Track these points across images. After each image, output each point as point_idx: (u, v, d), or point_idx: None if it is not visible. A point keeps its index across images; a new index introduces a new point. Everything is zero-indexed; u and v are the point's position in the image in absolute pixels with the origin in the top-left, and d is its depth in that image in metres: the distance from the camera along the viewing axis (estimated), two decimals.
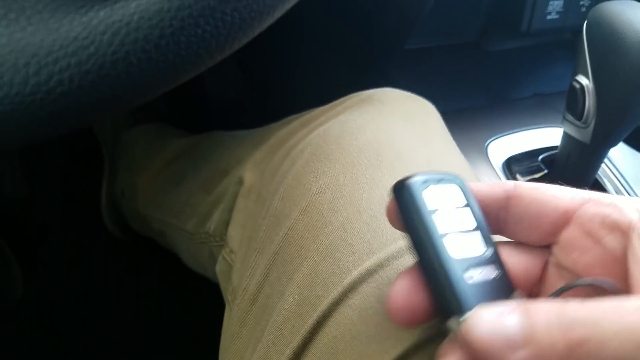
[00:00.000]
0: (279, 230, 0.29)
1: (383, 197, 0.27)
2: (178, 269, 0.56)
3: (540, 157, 0.45)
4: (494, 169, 0.44)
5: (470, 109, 0.51)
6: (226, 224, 0.38)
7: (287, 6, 0.16)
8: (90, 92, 0.14)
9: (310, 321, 0.24)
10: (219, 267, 0.37)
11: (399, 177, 0.28)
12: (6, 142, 0.15)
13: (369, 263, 0.24)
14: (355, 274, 0.24)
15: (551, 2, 0.48)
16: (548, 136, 0.47)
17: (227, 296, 0.34)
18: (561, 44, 0.56)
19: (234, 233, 0.36)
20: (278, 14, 0.16)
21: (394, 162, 0.29)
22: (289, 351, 0.24)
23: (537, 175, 0.44)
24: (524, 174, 0.44)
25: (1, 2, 0.13)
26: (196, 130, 0.59)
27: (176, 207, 0.49)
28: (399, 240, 0.25)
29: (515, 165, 0.45)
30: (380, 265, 0.24)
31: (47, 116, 0.14)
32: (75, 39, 0.14)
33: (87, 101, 0.14)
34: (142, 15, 0.14)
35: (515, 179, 0.44)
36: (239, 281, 0.32)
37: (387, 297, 0.19)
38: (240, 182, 0.37)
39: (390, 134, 0.30)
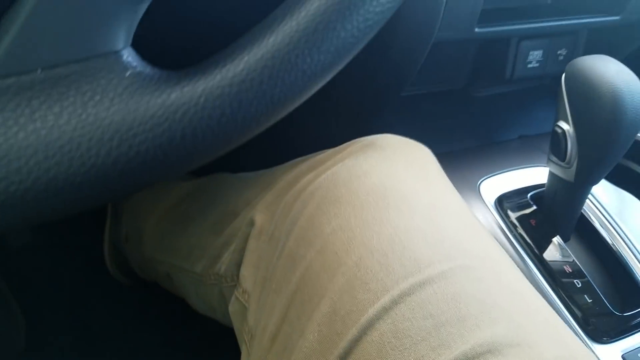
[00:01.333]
0: (295, 271, 0.31)
1: (391, 236, 0.29)
2: (184, 313, 0.57)
3: (529, 195, 0.48)
4: (487, 206, 0.47)
5: (461, 150, 0.54)
6: (237, 265, 0.39)
7: (317, 87, 0.20)
8: (162, 161, 0.17)
9: (331, 358, 0.26)
10: (232, 308, 0.38)
11: (405, 218, 0.30)
12: (84, 205, 0.17)
13: (383, 300, 0.26)
14: (371, 311, 0.26)
15: (531, 52, 0.53)
16: (535, 175, 0.50)
17: (243, 336, 0.35)
18: (542, 89, 0.61)
19: (247, 274, 0.37)
20: (312, 91, 0.19)
21: (399, 204, 0.31)
22: None
23: (527, 211, 0.47)
24: (515, 210, 0.47)
25: (88, 86, 0.16)
26: (198, 173, 0.61)
27: (184, 250, 0.50)
28: (410, 278, 0.27)
29: (506, 202, 0.48)
30: (394, 302, 0.26)
31: (123, 181, 0.17)
32: (152, 117, 0.16)
33: (158, 168, 0.17)
34: (207, 97, 0.17)
35: (507, 215, 0.47)
36: (256, 321, 0.33)
37: None
38: (251, 223, 0.39)
39: (394, 178, 0.33)
